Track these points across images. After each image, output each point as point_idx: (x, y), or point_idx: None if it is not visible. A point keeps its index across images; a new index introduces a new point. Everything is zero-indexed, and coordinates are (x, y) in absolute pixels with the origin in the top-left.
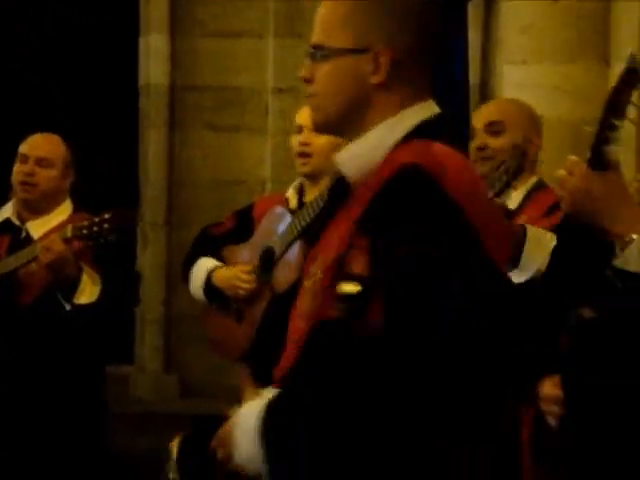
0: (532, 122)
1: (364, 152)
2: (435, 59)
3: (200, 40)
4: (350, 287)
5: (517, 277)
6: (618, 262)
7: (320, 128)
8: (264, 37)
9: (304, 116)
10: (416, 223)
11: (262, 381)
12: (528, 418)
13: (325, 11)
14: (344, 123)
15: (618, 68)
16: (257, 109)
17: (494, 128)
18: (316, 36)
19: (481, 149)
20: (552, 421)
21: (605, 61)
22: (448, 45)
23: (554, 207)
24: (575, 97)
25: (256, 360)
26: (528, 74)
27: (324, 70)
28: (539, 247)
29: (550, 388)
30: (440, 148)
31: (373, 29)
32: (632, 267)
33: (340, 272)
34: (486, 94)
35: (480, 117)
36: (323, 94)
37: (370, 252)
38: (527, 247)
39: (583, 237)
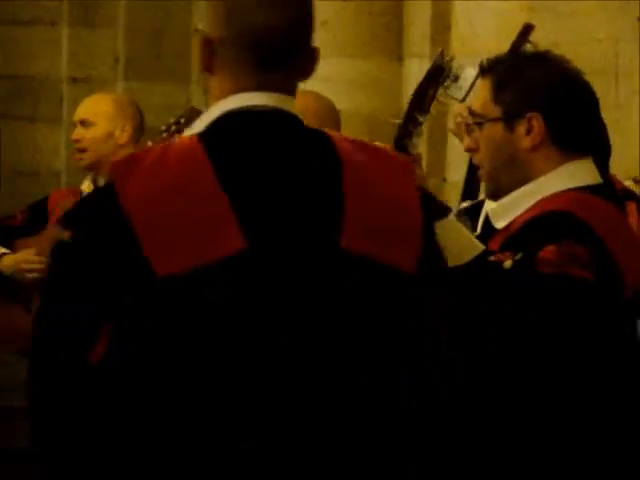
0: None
1: None
2: (266, 53)
3: None
4: None
5: None
6: None
7: None
8: (58, 25)
9: (76, 112)
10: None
11: None
12: None
13: None
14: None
15: (410, 64)
16: (51, 99)
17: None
18: None
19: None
20: None
21: (398, 57)
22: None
23: None
24: (370, 91)
25: None
26: (325, 68)
27: None
28: None
29: None
30: (177, 143)
31: (208, 20)
32: None
33: None
34: None
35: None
36: None
37: None
38: None
39: None
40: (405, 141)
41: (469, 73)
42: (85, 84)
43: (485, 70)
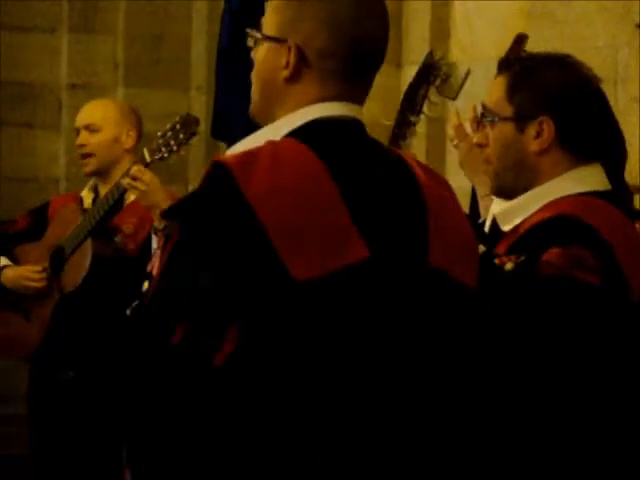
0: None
1: (248, 144)
2: (360, 64)
3: None
4: None
5: None
6: None
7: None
8: (57, 31)
9: (79, 117)
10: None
11: (48, 379)
12: None
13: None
14: (261, 110)
15: (409, 70)
16: (50, 105)
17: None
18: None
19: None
20: None
21: (397, 64)
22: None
23: None
24: (368, 97)
25: (44, 358)
26: None
27: (256, 55)
28: None
29: None
30: (286, 145)
31: (294, 23)
32: None
33: None
34: None
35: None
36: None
37: None
38: None
39: None
40: (399, 142)
41: (460, 71)
42: (84, 90)
43: (503, 67)
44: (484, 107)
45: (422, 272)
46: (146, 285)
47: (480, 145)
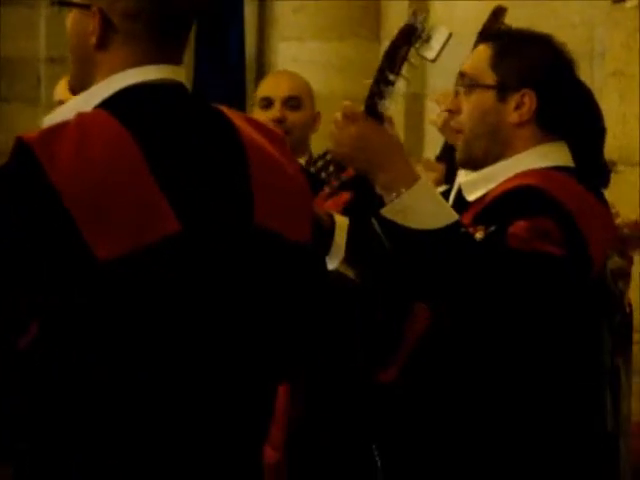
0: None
1: (60, 115)
2: (168, 24)
3: None
4: None
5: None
6: (386, 211)
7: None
8: (35, 6)
9: (62, 90)
10: None
11: None
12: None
13: None
14: (78, 80)
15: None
16: (28, 79)
17: (293, 102)
18: None
19: (280, 122)
20: None
21: (375, 39)
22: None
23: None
24: (347, 73)
25: None
26: (302, 51)
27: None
28: (343, 235)
29: None
30: (92, 118)
31: None
32: (399, 219)
33: None
34: (262, 70)
35: (278, 90)
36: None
37: None
38: (336, 236)
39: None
40: (375, 100)
41: (441, 33)
42: (63, 64)
43: (488, 37)
44: (463, 74)
45: (245, 234)
46: None
47: (451, 111)
